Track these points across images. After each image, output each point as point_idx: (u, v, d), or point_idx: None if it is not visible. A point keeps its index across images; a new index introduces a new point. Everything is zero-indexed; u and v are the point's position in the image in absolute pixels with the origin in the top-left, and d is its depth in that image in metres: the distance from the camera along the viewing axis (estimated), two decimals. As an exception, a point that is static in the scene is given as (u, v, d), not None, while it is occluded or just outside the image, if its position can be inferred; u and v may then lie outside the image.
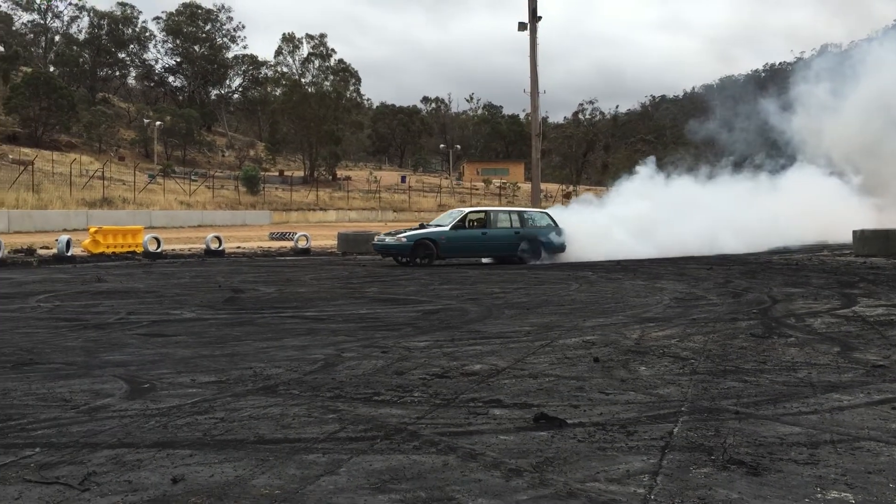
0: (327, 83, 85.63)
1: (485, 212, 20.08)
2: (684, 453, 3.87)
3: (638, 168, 26.36)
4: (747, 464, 3.70)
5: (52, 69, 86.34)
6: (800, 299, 10.67)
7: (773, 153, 32.75)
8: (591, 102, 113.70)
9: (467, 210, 20.52)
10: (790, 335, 7.66)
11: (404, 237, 18.87)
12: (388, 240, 19.26)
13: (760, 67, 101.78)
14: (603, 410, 4.75)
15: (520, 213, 20.05)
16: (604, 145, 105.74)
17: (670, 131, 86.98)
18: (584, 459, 3.79)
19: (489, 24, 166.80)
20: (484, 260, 19.82)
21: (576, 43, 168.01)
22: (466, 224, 19.14)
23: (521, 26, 30.24)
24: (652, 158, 27.97)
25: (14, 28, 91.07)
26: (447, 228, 18.98)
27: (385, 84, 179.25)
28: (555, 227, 19.55)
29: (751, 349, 6.86)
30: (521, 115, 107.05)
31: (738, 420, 4.51)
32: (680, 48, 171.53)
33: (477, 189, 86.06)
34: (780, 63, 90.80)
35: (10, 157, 55.73)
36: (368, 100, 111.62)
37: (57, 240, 21.61)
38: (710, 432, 4.24)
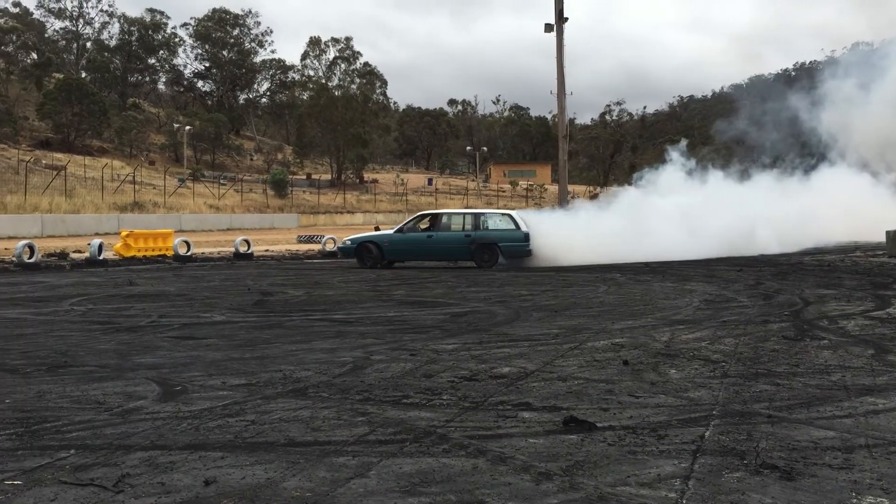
0: (353, 86, 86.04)
1: (434, 214, 19.69)
2: (716, 457, 3.83)
3: (670, 153, 25.92)
4: (781, 468, 3.66)
5: (83, 75, 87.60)
6: (832, 301, 10.52)
7: (804, 152, 32.29)
8: (618, 103, 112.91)
9: (420, 213, 20.38)
10: (823, 337, 7.56)
11: (349, 240, 19.32)
12: (339, 243, 19.84)
13: (790, 66, 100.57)
14: (633, 414, 4.72)
15: (475, 216, 19.22)
16: (631, 146, 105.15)
17: (699, 131, 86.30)
18: (614, 463, 3.77)
19: (514, 27, 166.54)
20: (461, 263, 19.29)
21: (601, 44, 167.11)
22: (416, 227, 19.00)
23: (548, 28, 30.15)
24: (683, 143, 27.45)
25: (46, 35, 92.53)
26: (392, 231, 19.13)
27: (410, 87, 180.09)
28: (516, 230, 18.58)
29: (783, 352, 6.78)
30: (548, 117, 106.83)
31: (771, 424, 4.46)
32: (706, 48, 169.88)
33: (504, 191, 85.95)
34: (810, 62, 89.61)
35: (44, 162, 56.59)
36: (395, 103, 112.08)
37: (89, 243, 21.91)
38: (742, 436, 4.20)
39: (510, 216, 19.37)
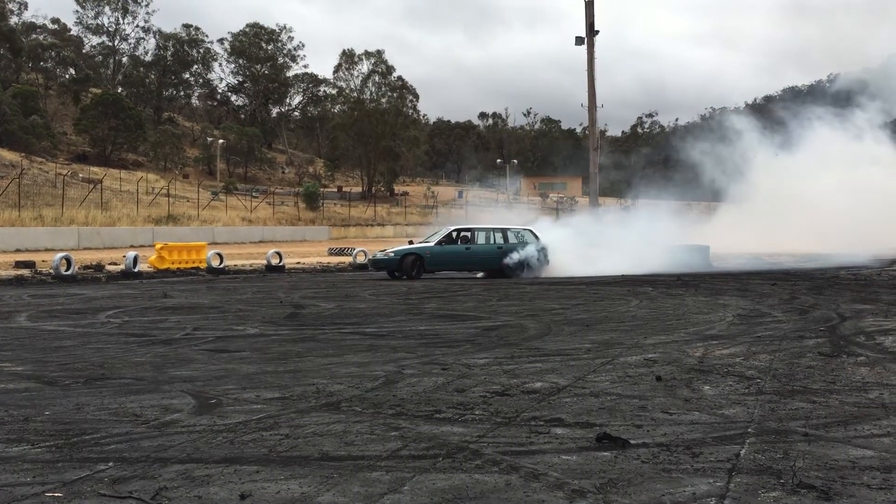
0: (384, 100, 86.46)
1: (469, 229, 21.10)
2: (752, 476, 3.80)
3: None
4: (818, 488, 3.61)
5: (120, 90, 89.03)
6: (869, 316, 10.36)
7: None
8: (650, 115, 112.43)
9: (454, 227, 21.51)
10: (860, 354, 7.45)
11: (392, 251, 20.39)
12: (373, 255, 21.47)
13: (825, 78, 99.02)
14: (667, 431, 4.68)
15: (503, 230, 20.95)
16: (663, 158, 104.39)
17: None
18: (648, 481, 3.75)
19: (533, 42, 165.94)
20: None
21: (623, 58, 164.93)
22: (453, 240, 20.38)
23: (579, 41, 30.14)
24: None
25: (84, 51, 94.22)
26: (433, 244, 20.28)
27: (430, 101, 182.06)
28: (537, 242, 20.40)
29: (819, 368, 6.69)
30: (578, 129, 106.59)
31: (808, 442, 4.40)
32: (723, 62, 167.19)
33: (534, 203, 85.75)
34: (845, 72, 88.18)
35: (81, 175, 57.52)
36: (425, 115, 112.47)
37: (125, 256, 22.24)
38: (778, 454, 4.15)
39: (531, 231, 21.17)
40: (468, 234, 20.58)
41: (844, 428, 4.73)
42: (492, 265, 20.01)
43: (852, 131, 30.46)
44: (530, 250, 20.01)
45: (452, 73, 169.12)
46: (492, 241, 20.36)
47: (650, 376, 6.35)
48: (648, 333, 9.06)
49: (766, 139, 29.68)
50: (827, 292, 13.91)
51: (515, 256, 19.85)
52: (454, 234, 20.51)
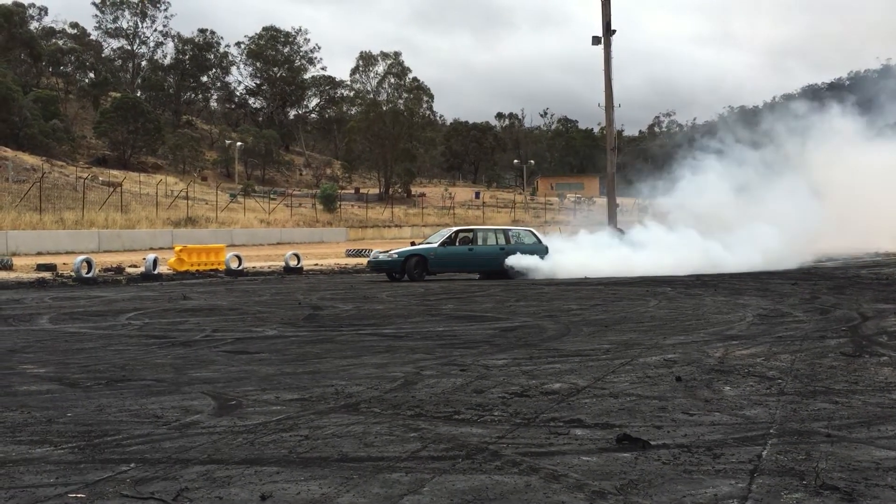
0: (401, 101, 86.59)
1: (471, 230, 21.34)
2: (774, 477, 3.77)
3: None
4: (841, 489, 3.58)
5: (139, 94, 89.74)
6: (892, 316, 10.25)
7: None
8: (667, 115, 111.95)
9: (458, 228, 21.87)
10: (882, 354, 7.37)
11: (396, 253, 20.54)
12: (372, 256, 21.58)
13: (844, 76, 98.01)
14: (687, 432, 4.66)
15: (505, 231, 21.33)
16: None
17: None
18: (669, 482, 3.73)
19: (540, 44, 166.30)
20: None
21: (634, 59, 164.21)
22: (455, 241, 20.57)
23: (595, 40, 30.02)
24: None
25: (104, 55, 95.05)
26: (436, 245, 20.43)
27: (442, 104, 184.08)
28: (539, 243, 20.71)
29: (841, 369, 6.63)
30: (595, 130, 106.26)
31: (831, 443, 4.36)
32: (735, 62, 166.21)
33: (551, 204, 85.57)
34: (864, 70, 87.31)
35: (101, 178, 58.01)
36: (442, 116, 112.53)
37: (144, 258, 22.42)
38: (800, 456, 4.12)
39: (532, 232, 21.64)
40: (470, 235, 20.80)
41: (868, 429, 4.68)
42: (494, 266, 20.07)
43: (873, 129, 30.14)
44: (531, 251, 20.23)
45: (461, 76, 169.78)
46: (493, 243, 20.58)
47: (670, 377, 6.32)
48: (668, 334, 9.02)
49: (793, 135, 29.47)
50: (848, 292, 13.77)
51: (517, 257, 19.95)
52: (455, 236, 20.72)
